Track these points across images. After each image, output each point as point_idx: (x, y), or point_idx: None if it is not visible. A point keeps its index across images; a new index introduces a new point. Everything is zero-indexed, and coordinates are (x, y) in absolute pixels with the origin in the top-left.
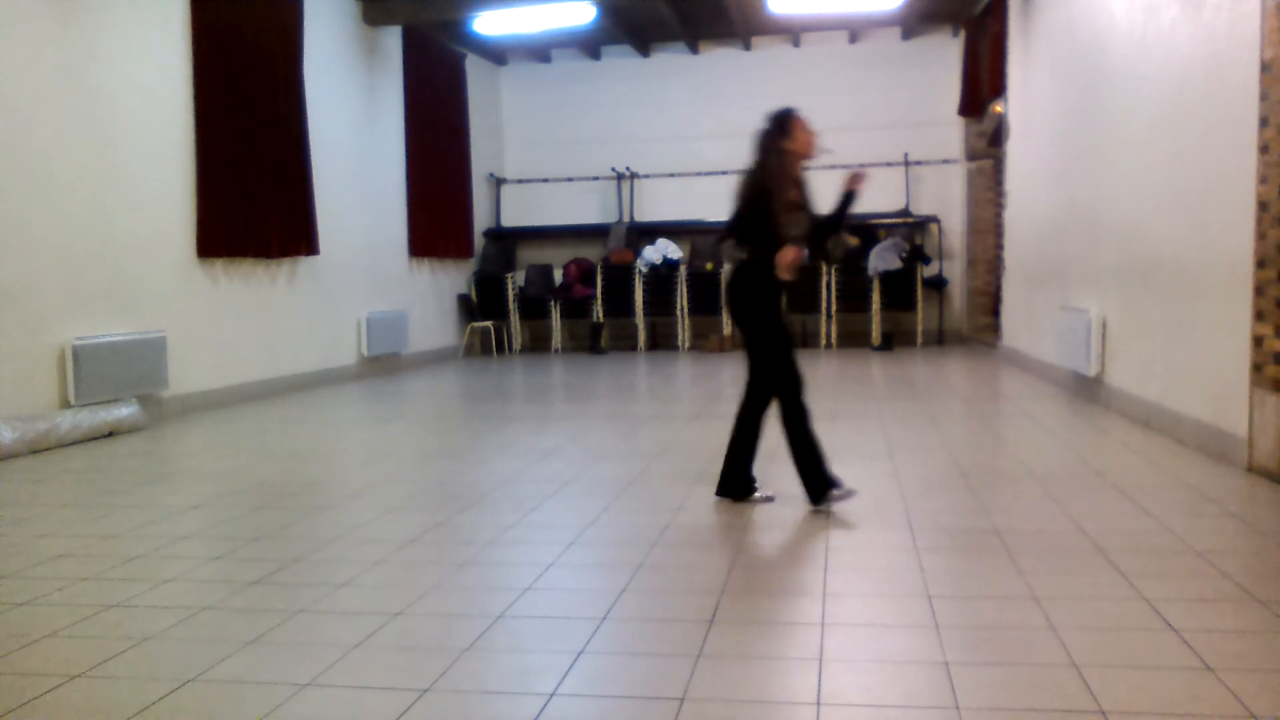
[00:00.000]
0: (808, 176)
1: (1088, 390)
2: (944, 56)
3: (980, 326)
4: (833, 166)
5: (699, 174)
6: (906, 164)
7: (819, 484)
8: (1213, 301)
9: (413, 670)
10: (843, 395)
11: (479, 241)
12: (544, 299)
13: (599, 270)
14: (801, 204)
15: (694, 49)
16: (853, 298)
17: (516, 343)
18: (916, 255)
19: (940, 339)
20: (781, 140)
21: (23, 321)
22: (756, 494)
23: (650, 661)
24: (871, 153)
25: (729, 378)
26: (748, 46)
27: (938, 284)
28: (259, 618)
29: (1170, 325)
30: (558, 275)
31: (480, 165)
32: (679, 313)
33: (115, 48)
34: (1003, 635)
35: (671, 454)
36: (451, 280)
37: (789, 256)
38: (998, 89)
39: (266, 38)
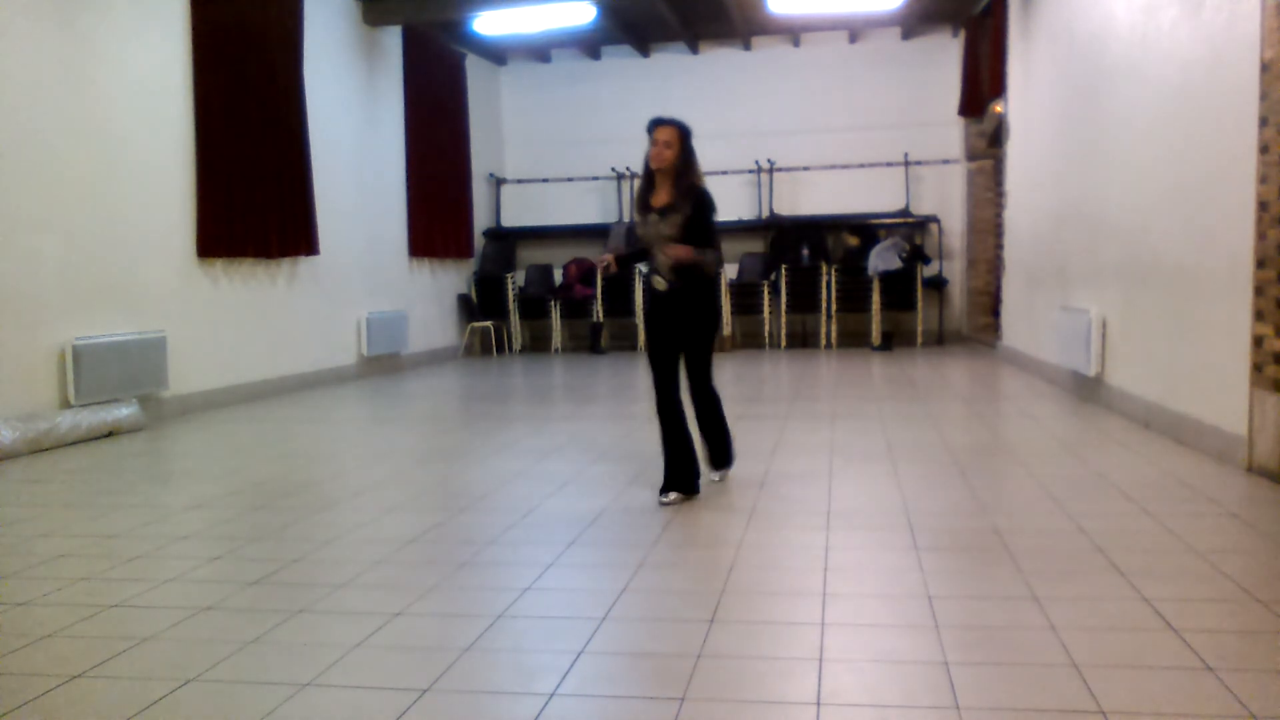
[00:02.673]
0: (684, 182)
1: (1088, 390)
2: (944, 56)
3: (980, 326)
4: (832, 167)
5: None
6: (906, 164)
7: (723, 457)
8: (1213, 301)
9: (413, 670)
10: (843, 395)
11: (479, 241)
12: (544, 299)
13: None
14: (670, 206)
15: (694, 49)
16: (853, 298)
17: (516, 343)
18: (916, 255)
19: (940, 339)
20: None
21: (23, 321)
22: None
23: (650, 661)
24: (871, 153)
25: (730, 377)
26: (748, 46)
27: (938, 284)
28: (259, 618)
29: (1170, 325)
30: (558, 275)
31: (480, 165)
32: None
33: (115, 47)
34: (1003, 635)
35: None
36: (451, 280)
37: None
38: (998, 89)
39: (266, 38)
